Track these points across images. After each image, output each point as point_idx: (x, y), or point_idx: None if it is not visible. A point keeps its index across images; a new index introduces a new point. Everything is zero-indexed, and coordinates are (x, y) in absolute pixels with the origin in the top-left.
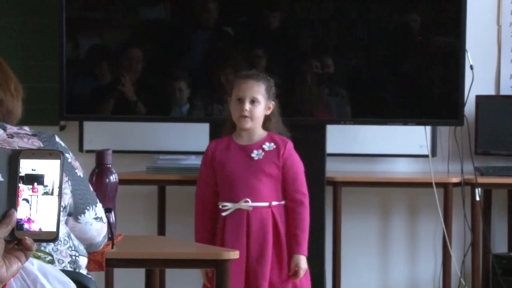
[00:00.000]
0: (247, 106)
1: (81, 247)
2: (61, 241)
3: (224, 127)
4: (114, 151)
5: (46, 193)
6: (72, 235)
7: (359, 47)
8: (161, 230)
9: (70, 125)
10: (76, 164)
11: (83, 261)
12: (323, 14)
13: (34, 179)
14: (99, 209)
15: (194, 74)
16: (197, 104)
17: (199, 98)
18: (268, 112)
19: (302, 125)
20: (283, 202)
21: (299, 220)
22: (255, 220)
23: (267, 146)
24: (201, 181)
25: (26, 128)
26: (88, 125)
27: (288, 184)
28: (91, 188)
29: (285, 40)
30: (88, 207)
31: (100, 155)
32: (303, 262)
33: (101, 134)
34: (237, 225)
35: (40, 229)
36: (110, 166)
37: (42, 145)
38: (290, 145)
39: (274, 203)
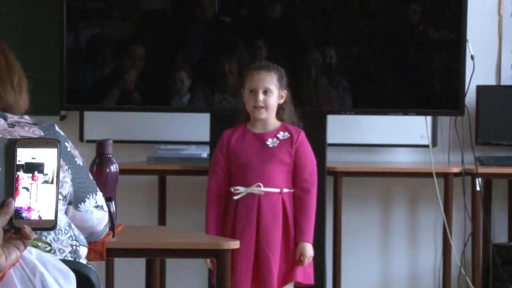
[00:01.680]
0: (261, 97)
1: (82, 237)
2: (61, 230)
3: (239, 117)
4: (114, 141)
5: (46, 182)
6: (72, 225)
7: (360, 38)
8: (162, 220)
9: (70, 115)
10: (76, 152)
11: (83, 251)
12: (324, 4)
13: (35, 168)
14: (100, 198)
15: (195, 65)
16: (197, 94)
17: (199, 89)
18: (281, 101)
19: (303, 115)
20: (293, 190)
21: (305, 209)
22: (266, 205)
23: (281, 135)
24: (216, 166)
25: (27, 117)
26: (88, 115)
27: (298, 172)
28: (91, 177)
29: (285, 31)
30: (88, 196)
31: (100, 145)
32: (308, 249)
33: (101, 124)
34: (248, 209)
35: (39, 217)
36: (110, 156)
37: (43, 134)
38: (303, 134)
39: (285, 190)
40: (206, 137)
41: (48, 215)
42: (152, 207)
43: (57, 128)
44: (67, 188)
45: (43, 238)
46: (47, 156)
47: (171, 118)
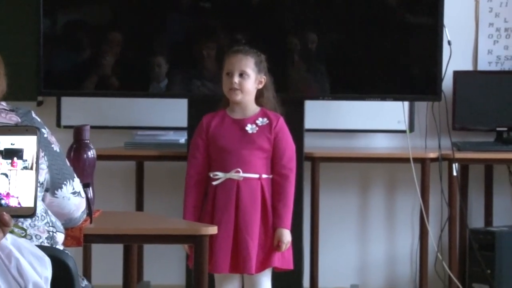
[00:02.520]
0: (236, 79)
1: (59, 224)
2: (38, 217)
3: (221, 101)
4: (92, 127)
5: (25, 168)
6: (49, 212)
7: (338, 23)
8: (139, 206)
9: (47, 100)
10: (52, 139)
11: (60, 237)
12: None
13: (14, 154)
14: (77, 184)
15: (173, 50)
16: (175, 79)
17: (177, 74)
18: (260, 87)
19: (281, 100)
20: (271, 176)
21: (283, 195)
22: (245, 191)
23: (260, 121)
24: (196, 152)
25: (3, 103)
26: (65, 101)
27: (276, 158)
28: (68, 163)
29: (264, 16)
30: (65, 182)
31: (78, 131)
32: (286, 235)
33: (79, 109)
34: (227, 194)
35: (19, 203)
36: (88, 141)
37: (20, 120)
38: (282, 120)
39: (264, 176)
40: (184, 123)
41: (28, 202)
42: (129, 193)
43: (33, 115)
44: (43, 174)
45: (19, 223)
46: (26, 143)
47: (149, 104)
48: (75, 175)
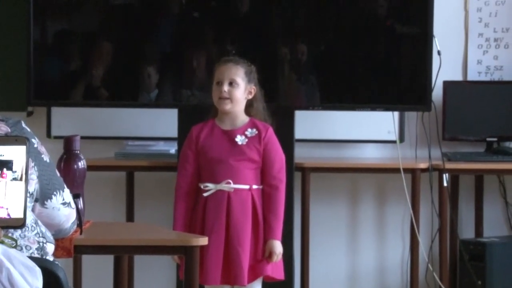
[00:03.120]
0: (226, 87)
1: (49, 234)
2: (28, 227)
3: (210, 112)
4: (82, 137)
5: (14, 179)
6: (39, 222)
7: (327, 33)
8: (130, 217)
9: (37, 110)
10: (43, 149)
11: (50, 248)
12: None
13: (3, 165)
14: (67, 195)
15: (163, 60)
16: (165, 89)
17: (167, 84)
18: (250, 97)
19: (271, 110)
20: (261, 187)
21: (274, 205)
22: (236, 202)
23: (249, 132)
24: (185, 162)
25: None
26: (56, 111)
27: (266, 169)
28: (58, 174)
29: (254, 25)
30: (55, 192)
31: (68, 141)
32: (277, 246)
33: (69, 120)
34: (218, 205)
35: (8, 215)
36: (78, 152)
37: (9, 130)
38: (271, 130)
39: (254, 186)
40: (174, 133)
41: (17, 213)
42: (120, 203)
43: (23, 125)
44: (33, 185)
45: (9, 234)
46: (16, 154)
47: (139, 114)
48: (65, 186)
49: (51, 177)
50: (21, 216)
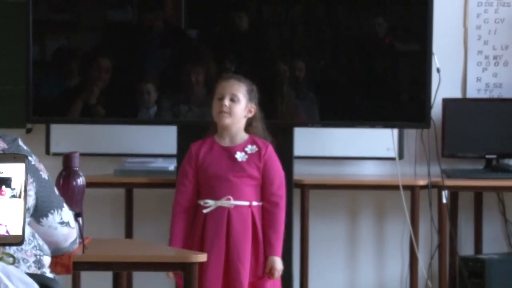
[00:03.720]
0: (227, 102)
1: (46, 247)
2: (25, 240)
3: (209, 129)
4: (81, 154)
5: (13, 196)
6: (36, 235)
7: (326, 50)
8: (129, 233)
9: (36, 127)
10: (41, 166)
11: (47, 260)
12: (290, 16)
13: (2, 182)
14: (66, 214)
15: (161, 77)
16: (164, 106)
17: (166, 101)
18: (250, 115)
19: (270, 127)
20: (261, 203)
21: (274, 222)
22: (236, 218)
23: (249, 148)
24: (184, 179)
25: None
26: (55, 128)
27: (266, 185)
28: (57, 192)
29: (253, 43)
30: (52, 211)
31: (67, 158)
32: (278, 263)
33: (68, 136)
34: (217, 222)
35: (7, 232)
36: (77, 169)
37: (6, 146)
38: (271, 148)
39: (254, 203)
40: (173, 150)
41: (16, 230)
42: (119, 220)
43: (20, 142)
44: (30, 201)
45: (7, 250)
46: (14, 171)
47: (138, 131)
48: (64, 205)
49: (49, 194)
50: (20, 233)
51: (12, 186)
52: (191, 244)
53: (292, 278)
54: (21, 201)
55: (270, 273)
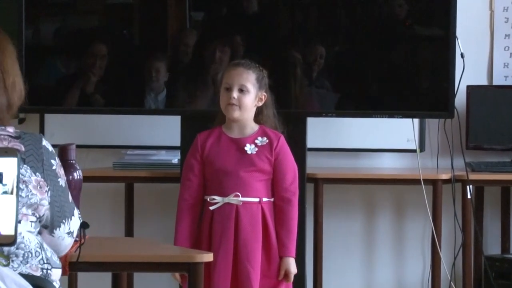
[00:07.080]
0: (235, 94)
1: (55, 258)
2: (32, 253)
3: (216, 118)
4: (78, 146)
5: (5, 192)
6: (45, 245)
7: (342, 35)
8: (129, 231)
9: (30, 117)
10: (61, 172)
11: (56, 274)
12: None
13: None
14: (74, 223)
15: (165, 65)
16: (168, 95)
17: (170, 90)
18: (260, 104)
19: (282, 117)
20: (273, 199)
21: (287, 220)
22: (245, 216)
23: (259, 140)
24: (190, 173)
25: (10, 129)
26: (49, 118)
27: (278, 180)
28: (71, 198)
29: (264, 28)
30: (63, 221)
31: (62, 150)
32: (293, 265)
33: (63, 127)
34: (225, 220)
35: None
36: (73, 162)
37: (23, 149)
38: (282, 139)
39: (265, 199)
40: (177, 142)
41: (7, 230)
42: (118, 217)
43: (44, 142)
44: (43, 210)
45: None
46: (5, 166)
47: (139, 121)
48: (74, 213)
49: (63, 204)
50: (12, 233)
51: (4, 182)
52: (199, 243)
53: (305, 279)
54: (13, 197)
55: (285, 276)
